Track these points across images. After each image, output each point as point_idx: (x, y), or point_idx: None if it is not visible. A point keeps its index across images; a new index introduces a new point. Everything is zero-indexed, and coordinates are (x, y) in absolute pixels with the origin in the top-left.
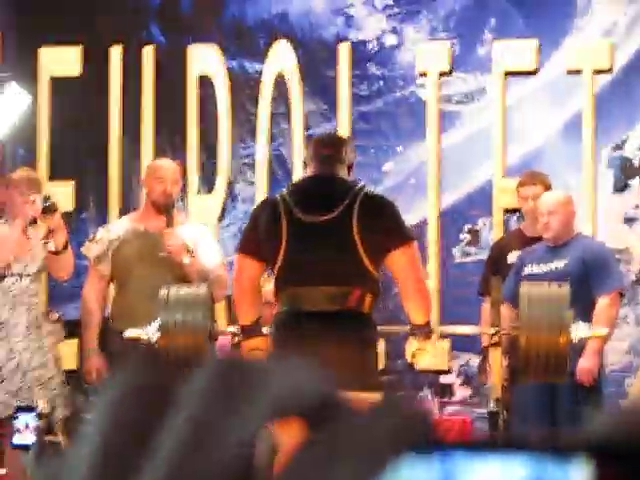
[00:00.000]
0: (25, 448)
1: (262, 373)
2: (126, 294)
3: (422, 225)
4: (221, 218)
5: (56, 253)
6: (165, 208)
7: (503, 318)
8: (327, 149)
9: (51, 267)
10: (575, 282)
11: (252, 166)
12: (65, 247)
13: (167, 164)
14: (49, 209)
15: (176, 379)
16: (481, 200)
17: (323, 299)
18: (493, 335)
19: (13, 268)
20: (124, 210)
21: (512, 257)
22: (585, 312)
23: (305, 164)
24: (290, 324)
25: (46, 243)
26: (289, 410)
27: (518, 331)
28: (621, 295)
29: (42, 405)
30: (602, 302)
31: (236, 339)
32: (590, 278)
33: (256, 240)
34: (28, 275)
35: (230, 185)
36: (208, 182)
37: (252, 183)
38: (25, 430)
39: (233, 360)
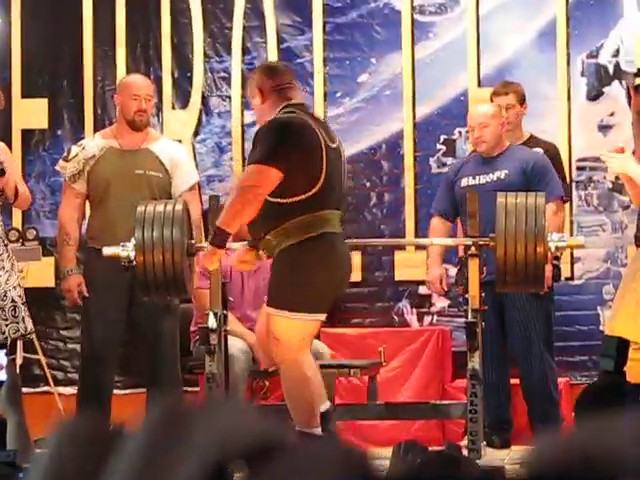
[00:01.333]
0: None
1: (204, 418)
2: (104, 212)
3: (398, 136)
4: (196, 133)
5: (11, 204)
6: (140, 125)
7: (434, 231)
8: (290, 77)
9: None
10: (513, 192)
11: (227, 80)
12: (16, 196)
13: (140, 80)
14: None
15: (118, 429)
16: (456, 110)
17: (339, 222)
18: (471, 246)
19: None
20: (99, 127)
21: None
22: None
23: (262, 92)
24: (332, 246)
25: None
26: (232, 453)
27: (495, 242)
28: (563, 201)
29: (29, 325)
30: (548, 210)
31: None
32: (531, 187)
33: (296, 161)
34: None
35: (205, 99)
36: (183, 97)
37: (227, 97)
38: None
39: (176, 406)
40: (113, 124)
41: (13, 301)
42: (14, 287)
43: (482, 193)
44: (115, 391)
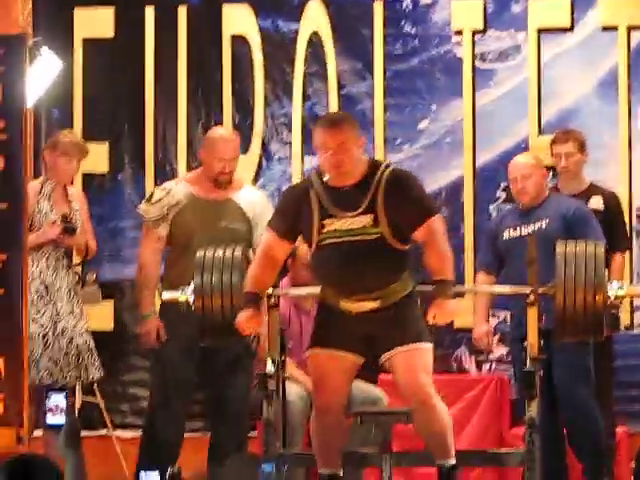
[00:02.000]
0: (57, 428)
1: None
2: (185, 262)
3: (458, 183)
4: (257, 178)
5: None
6: (222, 184)
7: (480, 285)
8: None
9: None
10: (554, 240)
11: (287, 125)
12: (86, 254)
13: (228, 142)
14: (70, 231)
15: None
16: None
17: None
18: (530, 294)
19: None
20: (159, 172)
21: None
22: None
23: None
24: None
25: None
26: None
27: (554, 290)
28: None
29: (93, 374)
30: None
31: (272, 300)
32: (572, 236)
33: None
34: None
35: (265, 145)
36: (243, 142)
37: (288, 143)
38: (56, 410)
39: None
40: (173, 169)
41: (77, 348)
42: (81, 334)
43: (523, 245)
44: None
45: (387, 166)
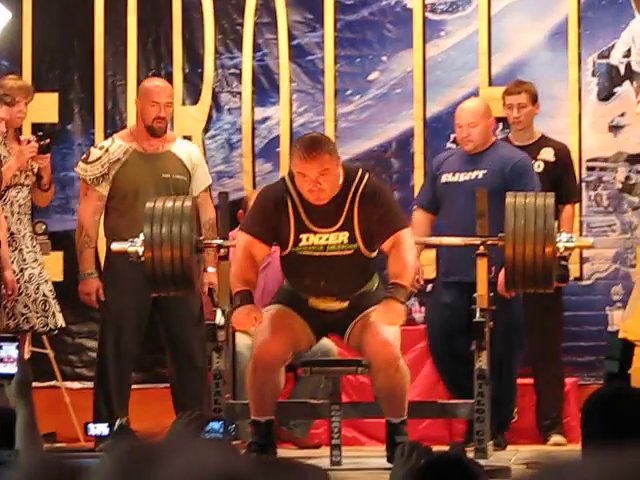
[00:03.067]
0: (8, 377)
1: (169, 456)
2: (133, 216)
3: (408, 134)
4: (207, 129)
5: (43, 191)
6: (158, 133)
7: (418, 224)
8: None
9: (34, 197)
10: (491, 193)
11: (238, 76)
12: (49, 187)
13: (160, 87)
14: (44, 149)
15: (76, 466)
16: None
17: None
18: (479, 245)
19: (16, 178)
20: (109, 122)
21: None
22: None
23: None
24: None
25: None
26: None
27: (504, 241)
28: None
29: (60, 321)
30: None
31: (222, 251)
32: (509, 189)
33: None
34: (27, 185)
35: (215, 96)
36: (194, 93)
37: (238, 93)
38: (8, 360)
39: (136, 442)
40: (123, 119)
41: (44, 295)
42: (45, 281)
43: (459, 192)
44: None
45: (361, 178)
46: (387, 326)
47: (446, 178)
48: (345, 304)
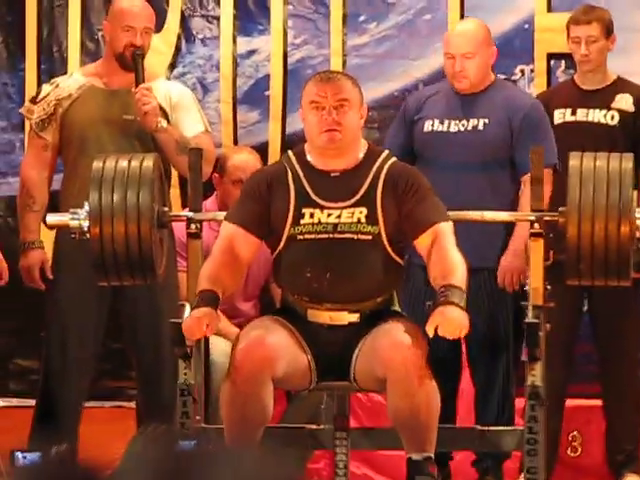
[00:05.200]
0: None
1: (224, 461)
2: (81, 171)
3: (439, 75)
4: (173, 66)
5: None
6: (133, 64)
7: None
8: None
9: None
10: (494, 151)
11: None
12: None
13: (138, 7)
14: None
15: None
16: (518, 43)
17: None
18: (534, 222)
19: None
20: (43, 54)
21: (560, 116)
22: (500, 191)
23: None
24: None
25: None
26: None
27: (566, 217)
28: (555, 171)
29: None
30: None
31: (192, 227)
32: (516, 146)
33: None
34: None
35: (185, 21)
36: (157, 17)
37: (215, 18)
38: None
39: (177, 454)
40: (63, 50)
41: None
42: None
43: (450, 146)
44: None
45: (388, 157)
46: (406, 329)
47: (430, 126)
48: (355, 317)
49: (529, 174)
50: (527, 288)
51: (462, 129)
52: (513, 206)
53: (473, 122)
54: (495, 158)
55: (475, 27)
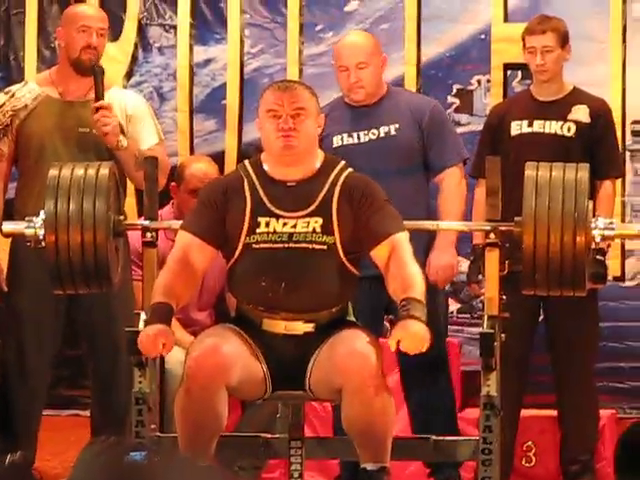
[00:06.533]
0: None
1: (151, 474)
2: (37, 182)
3: (397, 85)
4: (130, 74)
5: None
6: (88, 67)
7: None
8: None
9: None
10: (407, 155)
11: (172, 4)
12: None
13: (91, 10)
14: None
15: None
16: (475, 53)
17: None
18: (489, 232)
19: None
20: (2, 63)
21: (517, 128)
22: (419, 194)
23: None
24: None
25: None
26: None
27: (522, 227)
28: (464, 164)
29: None
30: (451, 177)
31: (148, 235)
32: (429, 146)
33: None
34: None
35: (142, 30)
36: (114, 26)
37: (172, 27)
38: None
39: (121, 461)
40: (19, 59)
41: None
42: None
43: (364, 156)
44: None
45: (344, 169)
46: (363, 338)
47: (340, 140)
48: (310, 327)
49: (444, 172)
50: (470, 294)
51: (373, 137)
52: (428, 207)
53: (384, 129)
54: (410, 161)
55: (364, 38)
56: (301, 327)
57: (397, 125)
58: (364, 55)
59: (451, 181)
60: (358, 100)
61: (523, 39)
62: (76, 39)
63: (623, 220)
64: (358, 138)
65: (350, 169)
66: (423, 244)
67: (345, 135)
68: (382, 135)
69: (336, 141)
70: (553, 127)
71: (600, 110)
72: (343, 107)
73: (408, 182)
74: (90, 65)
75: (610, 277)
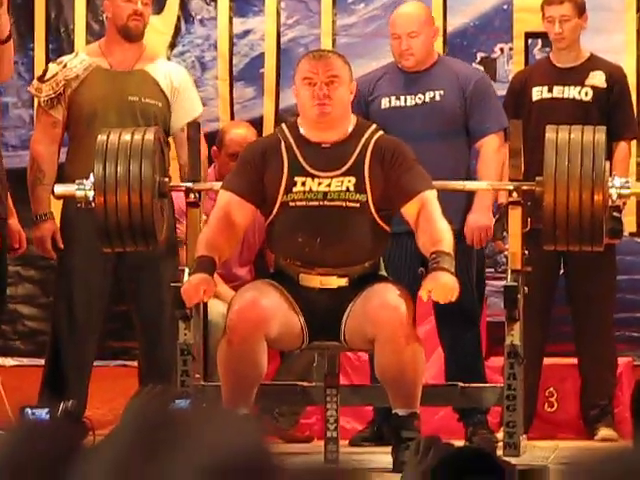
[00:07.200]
0: None
1: (192, 428)
2: (87, 149)
3: None
4: (173, 45)
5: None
6: (135, 34)
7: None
8: None
9: None
10: (451, 119)
11: None
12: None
13: None
14: None
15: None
16: (498, 22)
17: None
18: (512, 191)
19: None
20: (51, 36)
21: (537, 94)
22: (458, 157)
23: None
24: None
25: None
26: (217, 464)
27: (542, 186)
28: (505, 133)
29: None
30: (490, 144)
31: (192, 197)
32: (471, 114)
33: None
34: None
35: (184, 3)
36: (158, 1)
37: (212, 1)
38: None
39: (159, 409)
40: (69, 32)
41: None
42: None
43: (409, 119)
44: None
45: (375, 131)
46: (394, 291)
47: (387, 102)
48: (344, 281)
49: (484, 139)
50: (495, 249)
51: (419, 102)
52: (468, 171)
53: (429, 94)
54: (452, 126)
55: (417, 8)
56: (335, 282)
57: (442, 91)
58: (416, 25)
59: (490, 147)
60: (408, 66)
61: (542, 9)
62: (123, 8)
63: (638, 179)
64: (405, 101)
65: (381, 132)
66: (462, 206)
67: (393, 98)
68: (427, 100)
69: (384, 103)
70: (572, 92)
71: (616, 75)
72: (395, 71)
73: (449, 145)
74: (137, 32)
75: (626, 233)
